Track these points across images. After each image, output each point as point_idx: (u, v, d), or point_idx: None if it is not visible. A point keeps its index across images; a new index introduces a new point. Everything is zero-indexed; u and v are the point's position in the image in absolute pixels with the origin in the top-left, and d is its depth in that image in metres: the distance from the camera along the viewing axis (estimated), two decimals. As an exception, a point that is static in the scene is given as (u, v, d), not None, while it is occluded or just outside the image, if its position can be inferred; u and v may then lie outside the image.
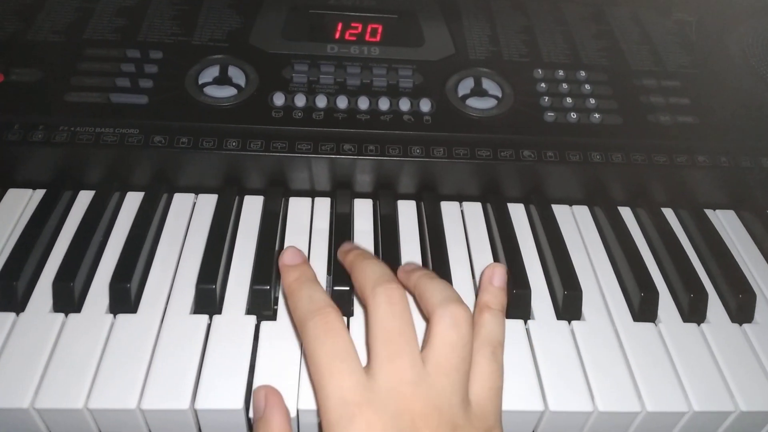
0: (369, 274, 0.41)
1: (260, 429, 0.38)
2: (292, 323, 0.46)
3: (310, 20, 0.66)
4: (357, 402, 0.35)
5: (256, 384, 0.42)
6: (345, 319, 0.47)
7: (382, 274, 0.41)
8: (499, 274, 0.45)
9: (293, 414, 0.41)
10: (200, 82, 0.58)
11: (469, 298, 0.49)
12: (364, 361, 0.39)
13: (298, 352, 0.44)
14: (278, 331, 0.46)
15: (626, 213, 0.58)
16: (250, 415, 0.41)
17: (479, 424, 0.37)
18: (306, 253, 0.52)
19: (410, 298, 0.43)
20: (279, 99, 0.57)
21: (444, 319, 0.39)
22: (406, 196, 0.58)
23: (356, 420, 0.35)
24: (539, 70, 0.63)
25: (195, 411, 0.41)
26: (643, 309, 0.49)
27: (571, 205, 0.59)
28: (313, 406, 0.41)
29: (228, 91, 0.57)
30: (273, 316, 0.47)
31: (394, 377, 0.36)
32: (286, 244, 0.52)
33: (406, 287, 0.43)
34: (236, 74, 0.59)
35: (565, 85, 0.61)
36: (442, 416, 0.36)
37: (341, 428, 0.35)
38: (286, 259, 0.45)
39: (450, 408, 0.36)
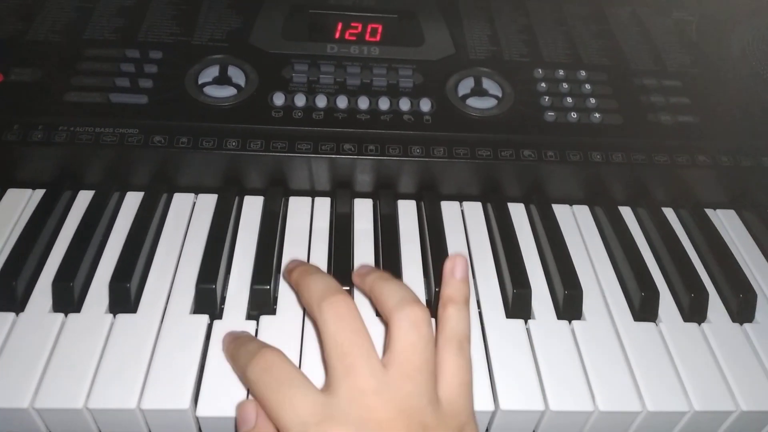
0: (313, 290, 0.40)
1: None
2: (290, 319, 0.46)
3: (310, 20, 0.66)
4: (317, 421, 0.34)
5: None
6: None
7: (326, 288, 0.39)
8: (460, 266, 0.43)
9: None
10: (200, 82, 0.58)
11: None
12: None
13: (298, 347, 0.44)
14: (278, 326, 0.46)
15: (627, 212, 0.58)
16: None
17: (451, 422, 0.37)
18: (306, 253, 0.52)
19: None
20: (279, 99, 0.57)
21: (402, 322, 0.38)
22: (407, 196, 0.58)
23: None
24: (539, 70, 0.63)
25: (194, 411, 0.41)
26: (644, 309, 0.49)
27: (571, 204, 0.59)
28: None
29: (228, 91, 0.57)
30: (272, 313, 0.47)
31: (355, 389, 0.35)
32: (286, 244, 0.52)
33: (362, 290, 0.43)
34: (236, 74, 0.59)
35: (565, 85, 0.61)
36: (411, 419, 0.35)
37: None
38: (290, 264, 0.45)
39: (418, 410, 0.36)
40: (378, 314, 0.47)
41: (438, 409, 0.37)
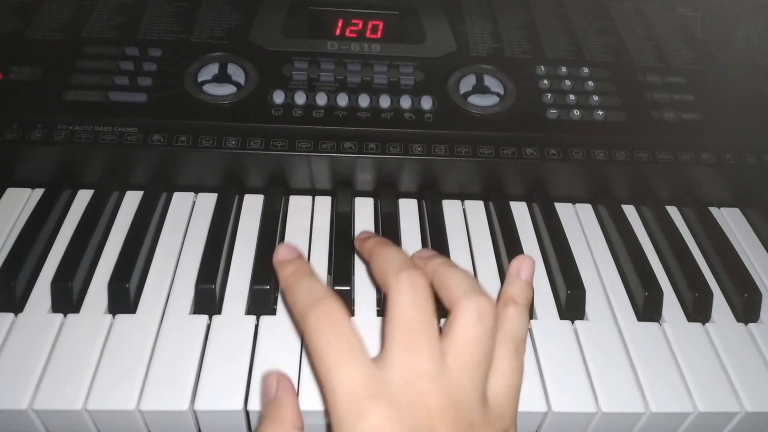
0: (391, 260, 0.39)
1: (271, 411, 0.36)
2: (291, 319, 0.45)
3: (310, 17, 0.65)
4: (369, 395, 0.33)
5: (255, 381, 0.42)
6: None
7: (405, 260, 0.39)
8: (527, 267, 0.42)
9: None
10: (199, 80, 0.57)
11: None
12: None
13: (298, 348, 0.44)
14: (278, 327, 0.45)
15: (630, 211, 0.58)
16: (250, 408, 0.41)
17: (496, 423, 0.36)
18: (306, 252, 0.51)
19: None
20: (279, 97, 0.56)
21: (469, 312, 0.36)
22: (408, 195, 0.57)
23: (368, 414, 0.32)
24: (542, 67, 0.62)
25: (195, 412, 0.41)
26: (647, 308, 0.49)
27: (574, 203, 0.58)
28: (313, 406, 0.41)
29: (227, 89, 0.57)
30: (273, 314, 0.47)
31: (411, 369, 0.34)
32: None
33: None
34: (236, 72, 0.58)
35: (568, 82, 0.61)
36: (459, 413, 0.34)
37: (351, 423, 0.32)
38: (280, 255, 0.42)
39: (468, 405, 0.35)
40: (380, 314, 0.47)
41: (485, 407, 0.36)
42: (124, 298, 0.46)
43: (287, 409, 0.36)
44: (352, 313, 0.47)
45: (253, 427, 0.43)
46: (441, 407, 0.34)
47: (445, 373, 0.35)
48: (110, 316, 0.45)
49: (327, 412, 0.35)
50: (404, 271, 0.37)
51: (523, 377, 0.39)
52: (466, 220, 0.56)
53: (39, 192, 0.54)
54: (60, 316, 0.45)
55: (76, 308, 0.46)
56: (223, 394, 0.41)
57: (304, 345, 0.44)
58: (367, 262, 0.43)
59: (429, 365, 0.34)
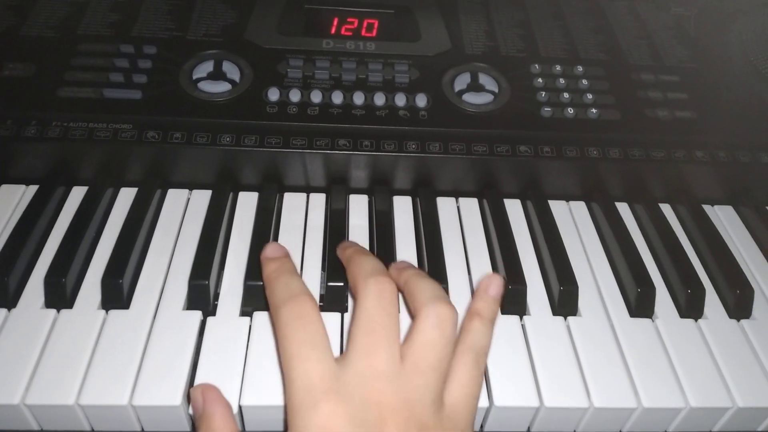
0: (364, 266, 0.41)
1: (202, 426, 0.37)
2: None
3: (306, 15, 0.65)
4: (323, 389, 0.35)
5: (249, 376, 0.42)
6: (339, 315, 0.47)
7: (377, 269, 0.41)
8: (495, 285, 0.43)
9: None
10: (194, 77, 0.57)
11: (464, 295, 0.49)
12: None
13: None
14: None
15: (624, 209, 0.58)
16: (243, 403, 0.41)
17: (450, 426, 0.36)
18: (300, 249, 0.51)
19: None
20: (274, 94, 0.56)
21: (429, 318, 0.38)
22: (402, 192, 0.57)
23: (320, 406, 0.34)
24: (536, 65, 0.62)
25: (187, 407, 0.41)
26: (640, 304, 0.49)
27: (568, 200, 0.59)
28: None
29: (222, 87, 0.57)
30: (267, 310, 0.47)
31: (368, 369, 0.36)
32: (280, 240, 0.52)
33: (396, 284, 0.42)
34: (231, 69, 0.58)
35: (562, 80, 0.61)
36: (412, 413, 0.35)
37: (303, 413, 0.34)
38: (267, 252, 0.44)
39: (421, 406, 0.36)
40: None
41: (440, 411, 0.37)
42: (117, 294, 0.46)
43: (216, 419, 0.37)
44: (345, 309, 0.47)
45: (246, 422, 0.43)
46: (394, 407, 0.35)
47: (401, 375, 0.36)
48: (103, 311, 0.45)
49: (285, 404, 0.36)
50: (373, 277, 0.40)
51: (480, 388, 0.40)
52: (461, 218, 0.56)
53: (33, 188, 0.54)
54: (53, 311, 0.45)
55: (69, 304, 0.46)
56: (218, 385, 0.41)
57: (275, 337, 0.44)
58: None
59: (386, 365, 0.36)
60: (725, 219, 0.59)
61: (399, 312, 0.39)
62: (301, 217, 0.54)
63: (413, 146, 0.55)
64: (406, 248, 0.52)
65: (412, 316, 0.40)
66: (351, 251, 0.45)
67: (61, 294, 0.45)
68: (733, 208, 0.60)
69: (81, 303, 0.46)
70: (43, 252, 0.49)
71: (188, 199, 0.55)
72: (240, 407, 0.41)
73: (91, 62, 0.58)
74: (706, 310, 0.50)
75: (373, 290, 0.39)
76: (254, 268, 0.47)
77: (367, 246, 0.52)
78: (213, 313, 0.46)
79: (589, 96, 0.60)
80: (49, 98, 0.55)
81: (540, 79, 0.61)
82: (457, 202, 0.58)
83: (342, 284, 0.47)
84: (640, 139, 0.58)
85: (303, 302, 0.38)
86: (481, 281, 0.44)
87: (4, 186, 0.54)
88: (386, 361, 0.36)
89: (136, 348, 0.43)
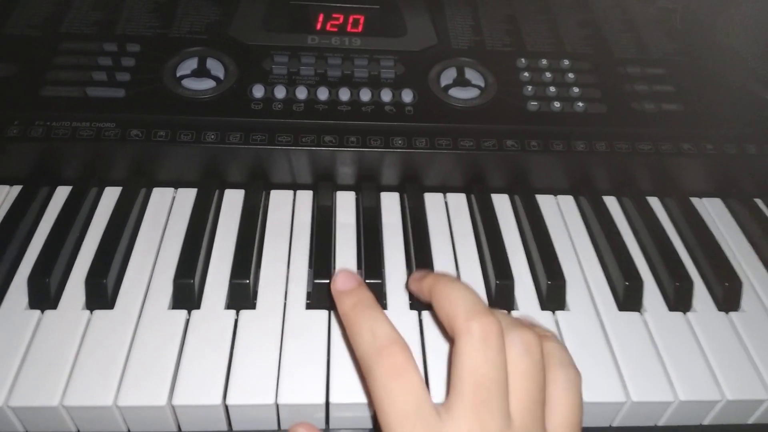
0: (460, 302, 0.36)
1: None
2: (273, 312, 0.45)
3: (291, 11, 0.65)
4: None
5: (234, 375, 0.41)
6: (326, 313, 0.46)
7: (475, 304, 0.36)
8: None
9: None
10: (178, 75, 0.57)
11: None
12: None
13: (278, 342, 0.44)
14: (257, 321, 0.45)
15: (612, 202, 0.58)
16: (229, 402, 0.40)
17: None
18: (287, 247, 0.51)
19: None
20: (258, 91, 0.56)
21: (514, 347, 0.35)
22: (389, 188, 0.57)
23: None
24: (522, 60, 0.62)
25: (173, 407, 0.41)
26: (628, 298, 0.49)
27: (555, 194, 0.58)
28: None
29: (206, 84, 0.56)
30: (252, 308, 0.46)
31: (478, 428, 0.33)
32: (267, 238, 0.51)
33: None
34: (215, 66, 0.58)
35: (548, 74, 0.61)
36: None
37: None
38: (339, 284, 0.39)
39: None
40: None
41: None
42: (101, 294, 0.45)
43: None
44: (333, 306, 0.47)
45: (233, 422, 0.42)
46: None
47: (510, 427, 0.34)
48: (88, 312, 0.45)
49: None
50: (475, 320, 0.35)
51: (582, 413, 0.37)
52: (448, 213, 0.56)
53: (17, 189, 0.53)
54: (37, 312, 0.44)
55: (53, 304, 0.45)
56: (202, 389, 0.41)
57: (368, 390, 0.39)
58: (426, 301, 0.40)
59: (494, 425, 0.33)
60: (713, 211, 0.59)
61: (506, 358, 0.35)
62: (288, 214, 0.54)
63: (400, 142, 0.54)
64: (393, 245, 0.52)
65: (448, 327, 0.36)
66: (432, 279, 0.39)
67: (44, 294, 0.45)
68: (722, 200, 0.60)
69: (65, 303, 0.45)
70: (27, 252, 0.49)
71: (173, 197, 0.55)
72: (226, 406, 0.41)
73: (74, 61, 0.57)
74: (695, 302, 0.50)
75: (478, 336, 0.34)
76: (240, 266, 0.47)
77: (354, 243, 0.52)
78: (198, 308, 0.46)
79: (576, 89, 0.60)
80: (31, 97, 0.54)
81: (526, 73, 0.61)
82: (444, 197, 0.57)
83: (329, 281, 0.46)
84: (627, 132, 0.57)
85: (396, 354, 0.34)
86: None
87: (-13, 187, 0.54)
88: (498, 418, 0.33)
89: (120, 348, 0.43)
